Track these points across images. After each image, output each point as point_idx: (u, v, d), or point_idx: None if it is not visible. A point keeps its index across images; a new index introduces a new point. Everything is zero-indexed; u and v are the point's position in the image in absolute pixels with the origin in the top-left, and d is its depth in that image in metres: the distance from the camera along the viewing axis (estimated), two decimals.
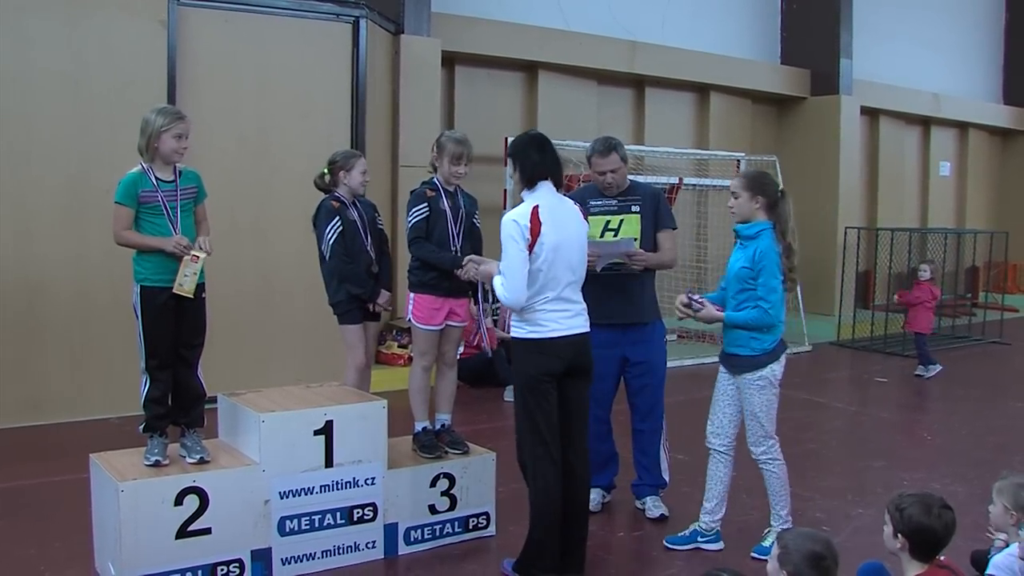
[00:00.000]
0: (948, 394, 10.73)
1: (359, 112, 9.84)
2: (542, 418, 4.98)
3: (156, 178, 5.12)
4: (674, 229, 6.19)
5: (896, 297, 11.95)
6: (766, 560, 5.29)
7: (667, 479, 6.35)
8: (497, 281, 4.99)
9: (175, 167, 5.21)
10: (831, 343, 14.08)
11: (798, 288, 13.54)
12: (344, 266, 5.97)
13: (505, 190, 10.30)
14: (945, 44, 18.11)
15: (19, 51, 8.15)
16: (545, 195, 5.01)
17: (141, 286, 5.12)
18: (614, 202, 6.02)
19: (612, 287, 5.92)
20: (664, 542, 5.75)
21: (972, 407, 10.12)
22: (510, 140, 5.35)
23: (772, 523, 5.64)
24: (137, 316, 5.15)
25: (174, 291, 5.07)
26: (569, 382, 5.08)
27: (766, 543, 5.50)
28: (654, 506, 6.24)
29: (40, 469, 7.02)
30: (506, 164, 5.23)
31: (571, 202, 5.27)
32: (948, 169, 18.62)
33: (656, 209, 6.11)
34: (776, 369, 5.50)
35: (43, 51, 8.24)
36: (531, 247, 4.86)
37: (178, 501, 4.84)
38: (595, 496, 6.17)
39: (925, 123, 18.03)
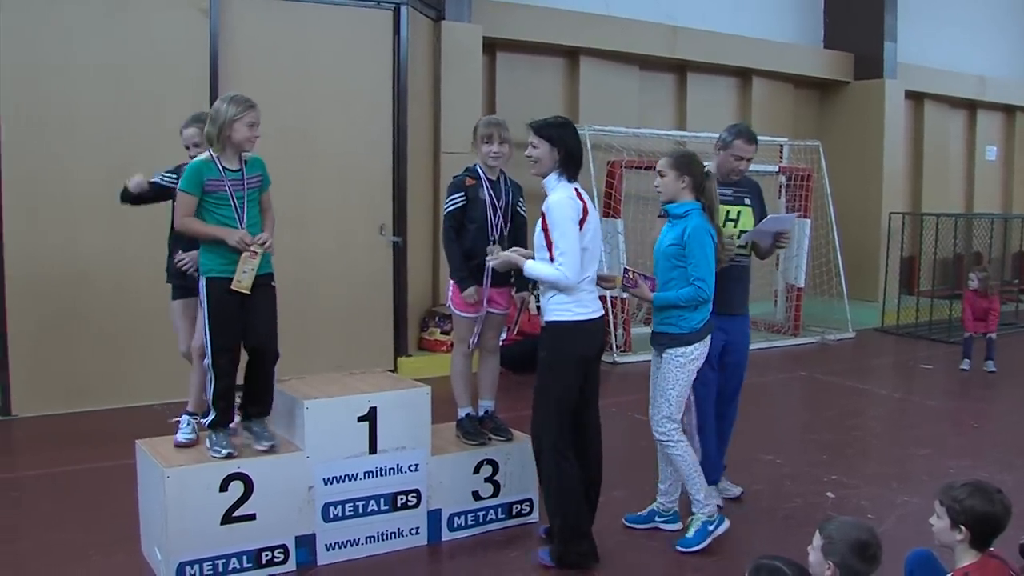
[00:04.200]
0: (994, 381, 10.59)
1: (400, 99, 9.84)
2: (568, 404, 5.10)
3: (223, 167, 5.07)
4: None
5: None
6: (690, 552, 5.36)
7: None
8: (537, 267, 5.04)
9: (240, 156, 5.16)
10: (875, 329, 13.96)
11: (841, 274, 13.60)
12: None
13: None
14: (991, 26, 17.82)
15: (60, 43, 8.20)
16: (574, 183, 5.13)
17: (207, 278, 5.08)
18: (729, 192, 6.04)
19: (734, 277, 5.94)
20: (624, 520, 5.82)
21: (1019, 394, 10.00)
22: (541, 118, 5.28)
23: (693, 510, 5.53)
24: (204, 310, 5.12)
25: (232, 287, 5.03)
26: (592, 363, 5.23)
27: (690, 534, 5.47)
28: (729, 486, 6.30)
29: (86, 455, 7.10)
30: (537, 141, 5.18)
31: None
32: (994, 153, 18.33)
33: (760, 201, 6.22)
34: (701, 350, 5.46)
35: (84, 42, 8.29)
36: (580, 225, 4.97)
37: (223, 487, 4.88)
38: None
39: (971, 107, 17.74)
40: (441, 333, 10.20)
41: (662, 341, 5.50)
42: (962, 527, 3.62)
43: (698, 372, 5.64)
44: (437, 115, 10.71)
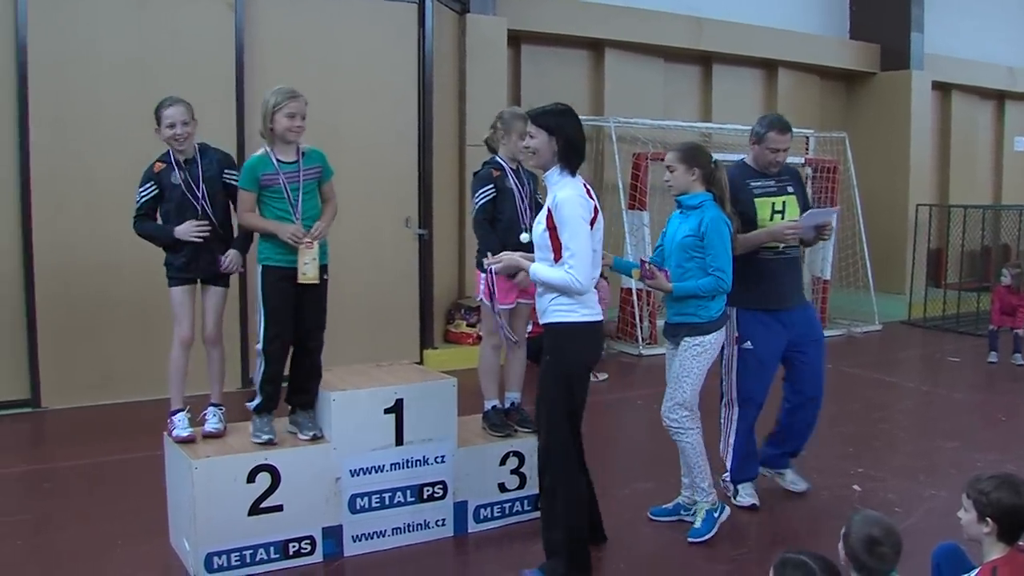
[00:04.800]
0: (1022, 374, 10.52)
1: (425, 93, 9.85)
2: (580, 413, 4.84)
3: (278, 160, 5.12)
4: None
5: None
6: (701, 541, 5.37)
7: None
8: (545, 271, 4.72)
9: (298, 148, 5.20)
10: (902, 322, 13.86)
11: (868, 266, 13.53)
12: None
13: None
14: (1020, 16, 17.66)
15: (88, 36, 8.25)
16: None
17: (263, 266, 5.16)
18: (772, 183, 5.96)
19: (783, 269, 5.90)
20: (648, 513, 5.83)
21: None
22: (537, 106, 5.05)
23: (696, 498, 5.57)
24: (260, 297, 5.19)
25: (298, 281, 5.10)
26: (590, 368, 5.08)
27: (698, 524, 5.49)
28: (796, 479, 6.32)
29: (114, 446, 7.16)
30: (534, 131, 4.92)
31: None
32: (1023, 144, 18.20)
33: (801, 186, 6.16)
34: (718, 339, 5.49)
35: (111, 36, 8.34)
36: (591, 225, 4.72)
37: (250, 478, 4.91)
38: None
39: (999, 97, 17.60)
40: (467, 325, 10.22)
41: (680, 332, 5.50)
42: (989, 520, 3.60)
43: (756, 373, 5.70)
44: (462, 108, 10.72)
